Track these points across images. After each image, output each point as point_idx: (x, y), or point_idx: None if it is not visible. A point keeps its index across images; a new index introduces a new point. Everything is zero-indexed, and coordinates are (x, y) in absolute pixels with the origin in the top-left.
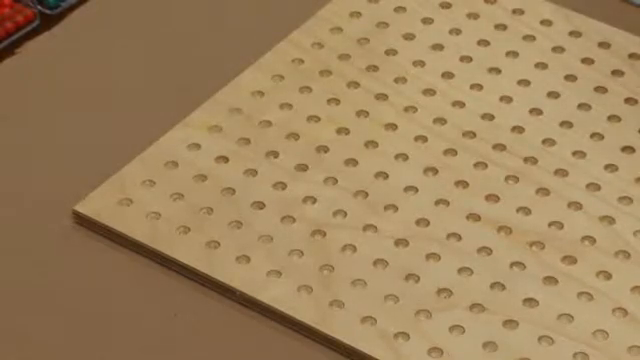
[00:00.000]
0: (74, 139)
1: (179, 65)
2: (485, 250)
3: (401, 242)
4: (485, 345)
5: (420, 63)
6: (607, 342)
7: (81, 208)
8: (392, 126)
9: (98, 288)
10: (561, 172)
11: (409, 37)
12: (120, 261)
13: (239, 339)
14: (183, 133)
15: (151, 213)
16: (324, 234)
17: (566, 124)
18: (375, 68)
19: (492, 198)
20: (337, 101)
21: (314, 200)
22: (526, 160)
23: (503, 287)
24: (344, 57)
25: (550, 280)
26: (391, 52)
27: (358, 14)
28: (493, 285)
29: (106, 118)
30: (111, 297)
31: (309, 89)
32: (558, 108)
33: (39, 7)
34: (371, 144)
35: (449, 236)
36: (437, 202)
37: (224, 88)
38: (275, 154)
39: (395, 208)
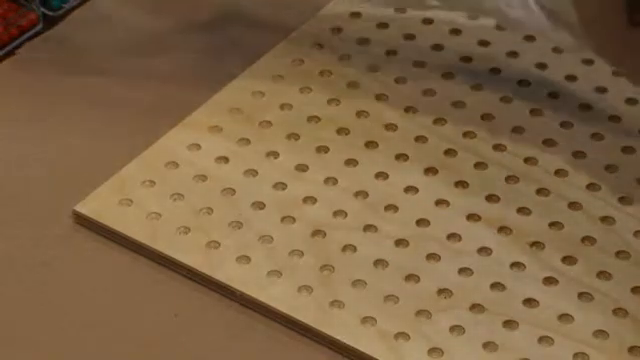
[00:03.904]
0: (74, 139)
1: (179, 65)
2: (485, 250)
3: (401, 242)
4: (485, 345)
5: (420, 63)
6: (607, 342)
7: (81, 208)
8: (392, 126)
9: (98, 288)
10: (561, 172)
11: (409, 37)
12: (120, 261)
13: (239, 339)
14: (183, 133)
15: (151, 213)
16: (324, 234)
17: (566, 124)
18: (375, 68)
19: (492, 198)
20: (337, 101)
21: (314, 200)
22: (526, 160)
23: (503, 287)
24: (344, 57)
25: (550, 280)
26: (391, 52)
27: (358, 14)
28: (493, 285)
29: (106, 118)
30: (111, 297)
31: (309, 89)
32: (558, 108)
33: (42, 9)
34: (371, 144)
35: (449, 236)
36: (437, 202)
37: (224, 88)
38: (275, 154)
39: (395, 208)
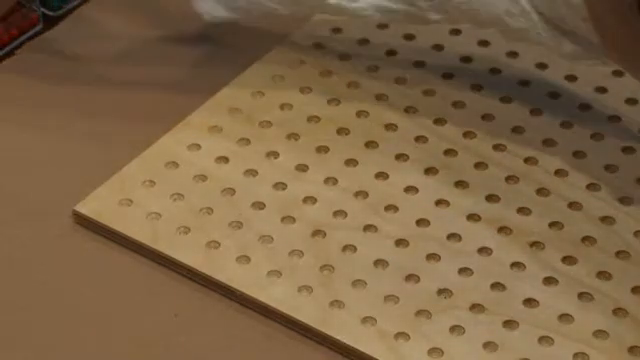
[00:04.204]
0: (74, 139)
1: (179, 65)
2: (485, 250)
3: (401, 242)
4: (485, 345)
5: (420, 63)
6: (607, 342)
7: (81, 208)
8: (392, 126)
9: (98, 288)
10: (561, 172)
11: (409, 37)
12: (120, 261)
13: (239, 339)
14: (183, 133)
15: (151, 213)
16: (324, 234)
17: (566, 124)
18: (375, 68)
19: (492, 198)
20: (337, 101)
21: (314, 200)
22: (526, 160)
23: (503, 287)
24: (344, 57)
25: (550, 280)
26: (391, 52)
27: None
28: (493, 285)
29: (106, 118)
30: (111, 297)
31: (309, 89)
32: (558, 108)
33: (42, 9)
34: (371, 144)
35: (449, 236)
36: (437, 202)
37: (224, 88)
38: (275, 154)
39: (395, 208)
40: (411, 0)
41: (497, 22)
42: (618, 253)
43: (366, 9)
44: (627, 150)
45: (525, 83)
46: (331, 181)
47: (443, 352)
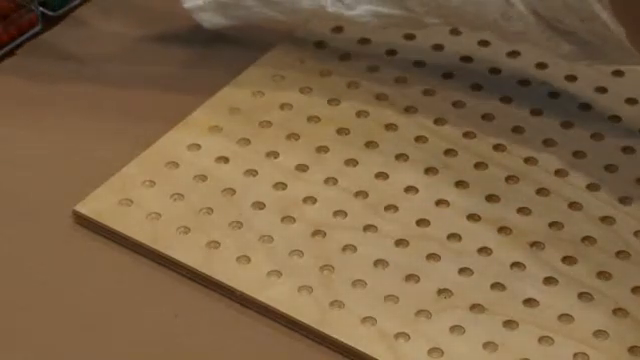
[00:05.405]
0: (74, 139)
1: (179, 65)
2: (485, 250)
3: (401, 242)
4: (485, 345)
5: (420, 63)
6: (607, 342)
7: (81, 208)
8: (392, 126)
9: (98, 288)
10: (561, 172)
11: (409, 37)
12: (120, 261)
13: (239, 339)
14: (183, 133)
15: (151, 213)
16: (324, 234)
17: (566, 124)
18: (375, 68)
19: (492, 198)
20: (337, 101)
21: (314, 200)
22: (526, 160)
23: (503, 287)
24: (345, 57)
25: (550, 280)
26: (391, 52)
27: None
28: (493, 285)
29: (106, 118)
30: (111, 297)
31: (309, 89)
32: (558, 108)
33: (41, 9)
34: (371, 144)
35: (449, 236)
36: (437, 202)
37: (224, 88)
38: (275, 154)
39: (395, 208)
40: (407, 5)
41: (493, 25)
42: (618, 253)
43: (364, 16)
44: (627, 150)
45: (525, 83)
46: (331, 181)
47: (443, 352)
